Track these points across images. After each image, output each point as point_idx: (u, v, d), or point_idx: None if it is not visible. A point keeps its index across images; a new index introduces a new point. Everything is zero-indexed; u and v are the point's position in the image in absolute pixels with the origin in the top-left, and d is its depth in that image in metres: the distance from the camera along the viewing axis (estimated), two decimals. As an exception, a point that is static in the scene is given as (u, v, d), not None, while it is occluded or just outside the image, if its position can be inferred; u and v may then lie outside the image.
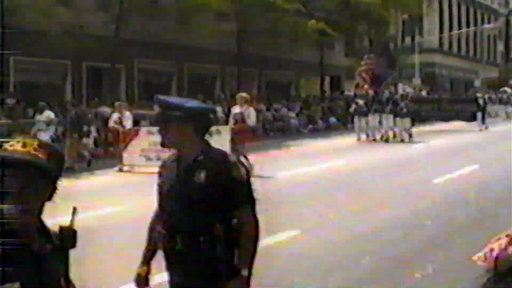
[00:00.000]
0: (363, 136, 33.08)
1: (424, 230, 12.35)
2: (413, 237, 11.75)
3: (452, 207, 14.78)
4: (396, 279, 9.58)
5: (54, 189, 2.82)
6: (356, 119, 33.97)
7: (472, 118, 41.69)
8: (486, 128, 40.63)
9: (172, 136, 4.65)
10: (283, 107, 42.85)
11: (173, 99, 4.90)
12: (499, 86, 68.99)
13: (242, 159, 18.63)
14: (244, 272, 4.59)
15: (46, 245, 2.81)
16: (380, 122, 33.39)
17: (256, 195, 4.76)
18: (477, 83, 76.58)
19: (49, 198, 2.81)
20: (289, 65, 48.78)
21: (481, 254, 3.03)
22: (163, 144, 4.77)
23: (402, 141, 32.37)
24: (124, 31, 33.56)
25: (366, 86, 38.90)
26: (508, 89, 65.43)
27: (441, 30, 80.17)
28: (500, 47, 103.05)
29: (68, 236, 2.92)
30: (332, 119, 45.17)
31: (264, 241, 11.06)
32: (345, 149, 29.19)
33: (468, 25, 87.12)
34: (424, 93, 55.97)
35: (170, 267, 4.73)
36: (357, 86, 41.10)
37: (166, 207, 4.69)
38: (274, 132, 38.81)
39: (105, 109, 29.18)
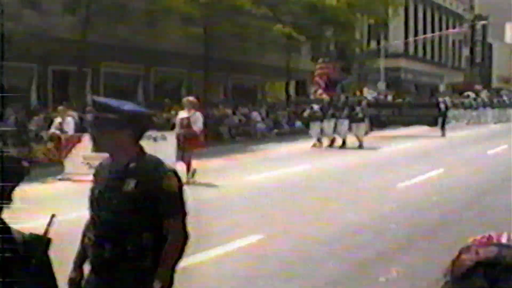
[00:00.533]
0: (318, 142, 31.98)
1: (389, 234, 12.44)
2: (378, 241, 11.82)
3: (416, 211, 14.92)
4: (360, 283, 9.67)
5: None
6: (311, 124, 33.01)
7: (434, 123, 41.14)
8: (443, 135, 39.54)
9: (106, 140, 4.49)
10: (250, 111, 42.86)
11: (110, 101, 4.66)
12: (465, 91, 69.37)
13: (184, 166, 18.68)
14: (157, 285, 4.41)
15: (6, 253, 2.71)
16: (335, 128, 32.45)
17: (188, 206, 4.68)
18: (442, 87, 77.17)
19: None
20: (256, 69, 48.81)
21: None
22: (95, 149, 4.60)
23: (360, 147, 31.32)
24: (91, 35, 33.42)
25: (320, 91, 37.63)
26: (471, 94, 65.34)
27: (406, 35, 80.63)
28: (465, 52, 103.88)
29: (37, 245, 2.83)
30: (298, 123, 45.25)
31: (228, 246, 11.25)
32: (310, 153, 29.29)
33: (433, 30, 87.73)
34: (389, 97, 56.04)
35: (97, 275, 4.59)
36: (315, 91, 39.31)
37: (96, 214, 4.56)
38: (241, 136, 38.81)
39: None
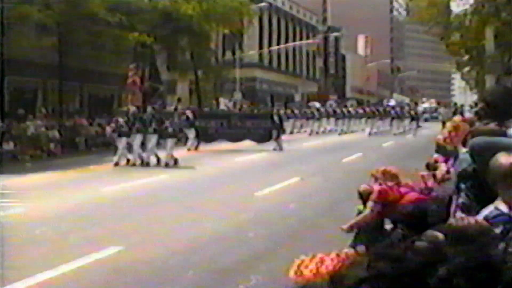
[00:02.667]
0: (123, 161, 27.79)
1: (247, 242, 12.49)
2: (236, 250, 11.86)
3: (273, 219, 15.04)
4: (220, 291, 9.68)
5: None
6: (117, 140, 28.43)
7: (266, 137, 36.90)
8: (281, 148, 35.49)
9: None
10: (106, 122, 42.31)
11: None
12: (320, 100, 70.73)
13: None
14: None
15: None
16: (143, 144, 28.12)
17: None
18: (297, 97, 78.48)
19: None
20: (112, 78, 48.27)
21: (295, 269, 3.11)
22: None
23: (166, 165, 26.97)
24: None
25: (129, 102, 33.55)
26: (317, 104, 65.98)
27: (261, 45, 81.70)
28: (319, 63, 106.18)
29: None
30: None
31: (87, 258, 11.01)
32: (199, 156, 29.26)
33: (287, 41, 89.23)
34: (245, 107, 56.58)
35: None
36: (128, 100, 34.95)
37: None
38: (98, 147, 38.16)
39: None
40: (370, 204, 9.68)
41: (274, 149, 35.10)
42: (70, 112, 41.58)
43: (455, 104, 67.61)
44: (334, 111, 59.25)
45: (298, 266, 3.85)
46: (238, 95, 62.70)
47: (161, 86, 46.44)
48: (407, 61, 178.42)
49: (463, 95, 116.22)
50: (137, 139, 27.90)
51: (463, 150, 6.69)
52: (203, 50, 55.66)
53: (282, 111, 47.51)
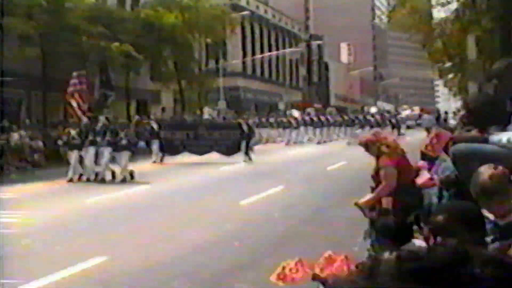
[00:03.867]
0: (76, 176, 25.80)
1: (232, 251, 12.50)
2: (222, 259, 11.86)
3: (259, 228, 15.06)
4: (205, 301, 9.69)
5: None
6: (68, 154, 26.70)
7: (233, 149, 34.42)
8: (250, 159, 33.74)
9: None
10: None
11: None
12: (304, 109, 70.53)
13: None
14: None
15: None
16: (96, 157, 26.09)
17: None
18: (281, 106, 78.45)
19: None
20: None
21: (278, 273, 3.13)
22: None
23: (123, 181, 25.08)
24: None
25: (78, 112, 31.07)
26: (295, 112, 63.98)
27: (244, 54, 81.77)
28: (303, 71, 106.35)
29: None
30: (140, 143, 44.83)
31: (72, 268, 10.99)
32: (151, 173, 29.00)
33: (270, 50, 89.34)
34: (230, 116, 56.33)
35: None
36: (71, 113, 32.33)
37: None
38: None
39: None
40: (384, 171, 9.26)
41: (244, 161, 33.14)
42: (54, 122, 41.45)
43: (438, 111, 67.87)
44: (312, 120, 56.01)
45: (283, 269, 3.88)
46: (222, 104, 62.67)
47: (113, 94, 43.65)
48: (390, 68, 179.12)
49: (447, 102, 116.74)
50: (89, 153, 25.80)
51: (445, 158, 6.74)
52: (186, 59, 55.71)
53: (251, 121, 43.48)
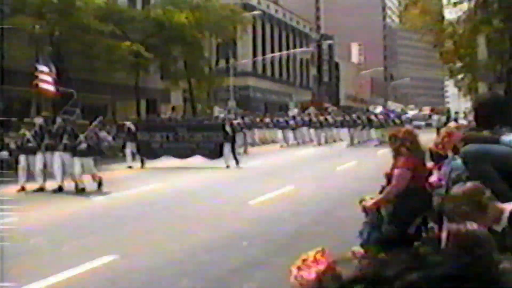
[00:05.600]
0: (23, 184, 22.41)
1: (241, 251, 12.46)
2: (231, 258, 11.82)
3: (268, 227, 15.02)
4: (214, 300, 9.67)
5: None
6: (21, 158, 22.91)
7: (217, 152, 31.02)
8: (238, 163, 30.44)
9: None
10: (101, 131, 42.21)
11: None
12: (305, 109, 70.09)
13: None
14: None
15: None
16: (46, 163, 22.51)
17: None
18: (291, 105, 78.33)
19: None
20: (105, 88, 48.35)
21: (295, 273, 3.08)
22: None
23: (82, 190, 21.55)
24: None
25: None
26: (293, 111, 61.73)
27: (254, 54, 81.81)
28: (313, 71, 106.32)
29: None
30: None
31: (82, 267, 10.99)
32: (159, 172, 28.93)
33: (281, 49, 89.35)
34: (239, 115, 56.05)
35: None
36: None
37: None
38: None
39: None
40: (398, 171, 9.11)
41: (228, 166, 29.92)
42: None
43: (448, 111, 67.56)
44: (310, 120, 52.38)
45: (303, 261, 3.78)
46: (232, 104, 62.67)
47: (74, 92, 40.75)
48: (400, 68, 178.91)
49: (457, 102, 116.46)
50: (38, 158, 22.40)
51: (455, 157, 6.71)
52: (196, 59, 55.74)
53: (236, 121, 40.41)
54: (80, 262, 11.27)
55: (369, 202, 9.21)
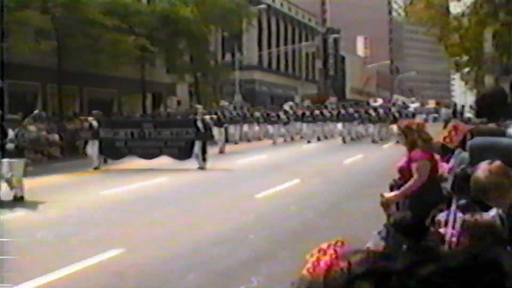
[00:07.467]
0: None
1: (248, 244, 12.49)
2: (237, 251, 11.85)
3: (275, 221, 15.04)
4: (221, 293, 9.68)
5: None
6: None
7: (187, 152, 27.79)
8: (204, 166, 27.21)
9: None
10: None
11: None
12: (319, 102, 69.70)
13: None
14: None
15: None
16: None
17: None
18: (297, 99, 78.09)
19: None
20: (111, 82, 48.35)
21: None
22: None
23: (16, 200, 18.13)
24: None
25: None
26: (287, 105, 59.44)
27: (260, 47, 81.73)
28: (319, 64, 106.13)
29: None
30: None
31: (89, 260, 11.02)
32: (167, 166, 28.81)
33: (286, 43, 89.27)
34: (245, 109, 55.62)
35: None
36: None
37: None
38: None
39: None
40: (419, 163, 8.92)
41: (200, 168, 26.94)
42: (69, 115, 41.53)
43: (455, 104, 67.35)
44: (303, 114, 49.52)
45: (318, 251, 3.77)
46: (238, 97, 62.60)
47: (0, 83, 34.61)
48: (406, 62, 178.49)
49: (463, 95, 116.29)
50: None
51: (462, 151, 6.71)
52: (202, 52, 55.73)
53: (214, 116, 37.72)
54: (87, 255, 11.31)
55: (389, 194, 9.14)
